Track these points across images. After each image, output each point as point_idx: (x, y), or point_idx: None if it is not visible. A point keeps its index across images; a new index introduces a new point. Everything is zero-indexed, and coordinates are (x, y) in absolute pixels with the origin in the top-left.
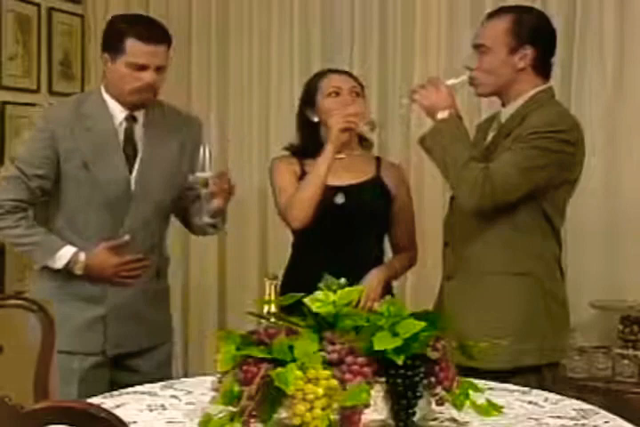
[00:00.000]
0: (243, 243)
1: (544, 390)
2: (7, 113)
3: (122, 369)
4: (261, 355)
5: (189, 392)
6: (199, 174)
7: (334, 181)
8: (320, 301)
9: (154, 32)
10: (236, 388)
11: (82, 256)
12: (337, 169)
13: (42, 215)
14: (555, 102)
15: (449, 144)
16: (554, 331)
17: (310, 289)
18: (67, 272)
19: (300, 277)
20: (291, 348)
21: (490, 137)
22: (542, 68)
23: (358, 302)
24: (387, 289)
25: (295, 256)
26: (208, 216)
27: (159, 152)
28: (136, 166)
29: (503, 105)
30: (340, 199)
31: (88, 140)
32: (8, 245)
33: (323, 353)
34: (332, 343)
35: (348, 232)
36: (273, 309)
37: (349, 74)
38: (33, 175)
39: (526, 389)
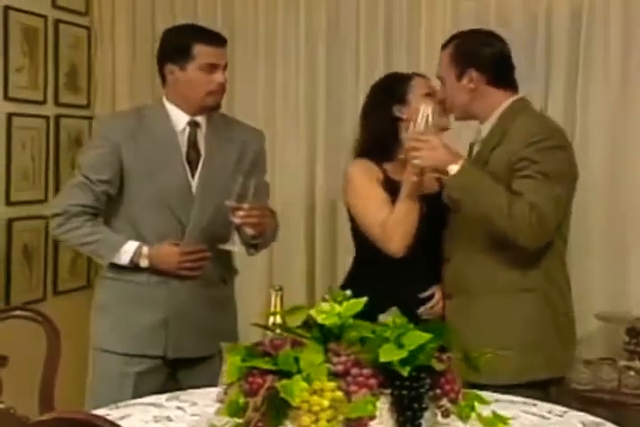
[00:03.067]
0: (249, 259)
1: (549, 403)
2: (14, 124)
3: (174, 379)
4: (267, 366)
5: (195, 404)
6: (228, 203)
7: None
8: (325, 312)
9: (217, 35)
10: (242, 399)
11: (145, 249)
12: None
13: (104, 220)
14: (530, 111)
15: (480, 196)
16: (561, 345)
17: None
18: (131, 273)
19: (385, 285)
20: (296, 359)
21: (475, 152)
22: (502, 82)
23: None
24: None
25: (372, 267)
26: (237, 244)
27: (220, 157)
28: (199, 169)
29: (481, 123)
30: (424, 208)
31: (150, 148)
32: (14, 256)
33: (328, 365)
34: (338, 355)
35: (433, 243)
36: (279, 319)
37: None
38: (98, 180)
39: (532, 400)
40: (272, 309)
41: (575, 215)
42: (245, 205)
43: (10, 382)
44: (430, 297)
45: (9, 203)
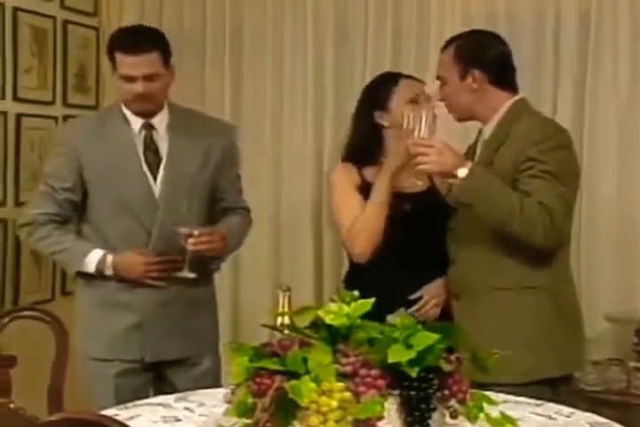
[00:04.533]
0: (256, 254)
1: (558, 403)
2: (23, 125)
3: (161, 381)
4: (275, 367)
5: (203, 404)
6: (181, 229)
7: (403, 189)
8: (334, 313)
9: (137, 42)
10: (250, 400)
11: (109, 258)
12: (403, 177)
13: (72, 226)
14: (532, 111)
15: (491, 198)
16: (570, 343)
17: (382, 301)
18: (102, 279)
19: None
20: (304, 360)
21: (477, 154)
22: (504, 82)
23: (413, 302)
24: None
25: (359, 265)
26: (188, 269)
27: (183, 159)
28: (160, 173)
29: (483, 124)
30: (407, 206)
31: (108, 152)
32: (23, 256)
33: (336, 365)
34: (346, 356)
35: (415, 241)
36: (287, 320)
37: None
38: (60, 188)
39: (540, 402)
40: (280, 309)
41: (584, 216)
42: (195, 232)
43: (19, 382)
44: (419, 299)
45: (18, 204)
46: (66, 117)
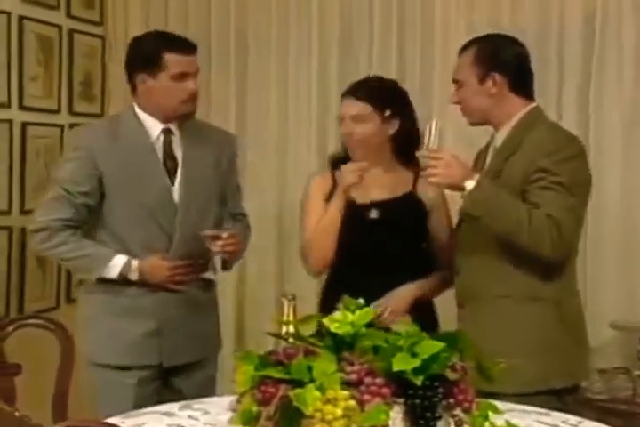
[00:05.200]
0: (260, 261)
1: (564, 412)
2: (28, 133)
3: (166, 389)
4: (280, 375)
5: (207, 413)
6: (207, 232)
7: (368, 197)
8: (338, 321)
9: (186, 42)
10: (255, 408)
11: (134, 262)
12: (372, 184)
13: (87, 234)
14: (546, 120)
15: (499, 210)
16: (575, 354)
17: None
18: (119, 285)
19: (337, 296)
20: (309, 368)
21: (488, 161)
22: (521, 89)
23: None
24: (421, 308)
25: (331, 274)
26: (214, 271)
27: (197, 163)
28: (178, 178)
29: (495, 130)
30: (373, 214)
31: (128, 157)
32: (28, 264)
33: (341, 374)
34: (351, 364)
35: (383, 248)
36: (291, 329)
37: (365, 93)
38: (77, 193)
39: (545, 410)
40: (285, 318)
41: (590, 224)
42: (224, 234)
43: (23, 390)
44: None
45: (23, 211)
46: (72, 126)
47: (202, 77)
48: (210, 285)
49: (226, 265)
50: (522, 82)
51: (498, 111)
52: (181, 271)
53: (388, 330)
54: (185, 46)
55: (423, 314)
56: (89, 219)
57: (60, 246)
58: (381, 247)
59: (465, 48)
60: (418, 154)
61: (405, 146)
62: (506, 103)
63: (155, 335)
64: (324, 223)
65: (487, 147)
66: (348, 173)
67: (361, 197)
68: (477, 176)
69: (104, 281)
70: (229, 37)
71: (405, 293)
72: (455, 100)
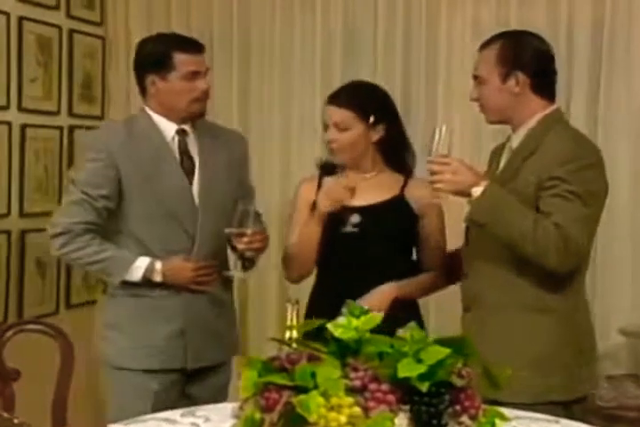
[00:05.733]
0: (262, 266)
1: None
2: (27, 135)
3: (185, 393)
4: (283, 381)
5: (209, 420)
6: (229, 230)
7: (352, 202)
8: (343, 326)
9: (194, 42)
10: (258, 415)
11: (158, 264)
12: (358, 189)
13: (107, 238)
14: (566, 124)
15: (505, 218)
16: (581, 364)
17: (334, 313)
18: (143, 288)
19: (322, 301)
20: (313, 374)
21: (502, 163)
22: (544, 90)
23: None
24: (402, 307)
25: (318, 279)
26: (237, 269)
27: (214, 163)
28: (196, 178)
29: (513, 130)
30: (355, 219)
31: (146, 158)
32: (27, 268)
33: (346, 380)
34: (356, 370)
35: (366, 253)
36: (295, 334)
37: (347, 100)
38: (98, 196)
39: (553, 418)
40: (288, 322)
41: (599, 229)
42: (249, 231)
43: (22, 396)
44: None
45: (22, 214)
46: (71, 128)
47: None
48: (229, 284)
49: (246, 264)
50: (545, 82)
51: (518, 111)
52: (205, 272)
53: (393, 335)
54: (194, 46)
55: (408, 314)
56: (108, 223)
57: (81, 250)
58: (362, 253)
59: (488, 43)
60: (427, 160)
61: (394, 150)
62: (527, 103)
63: (180, 337)
64: (302, 238)
65: (500, 146)
66: (324, 199)
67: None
68: (485, 182)
69: (127, 284)
70: (232, 36)
71: (385, 290)
72: (474, 97)
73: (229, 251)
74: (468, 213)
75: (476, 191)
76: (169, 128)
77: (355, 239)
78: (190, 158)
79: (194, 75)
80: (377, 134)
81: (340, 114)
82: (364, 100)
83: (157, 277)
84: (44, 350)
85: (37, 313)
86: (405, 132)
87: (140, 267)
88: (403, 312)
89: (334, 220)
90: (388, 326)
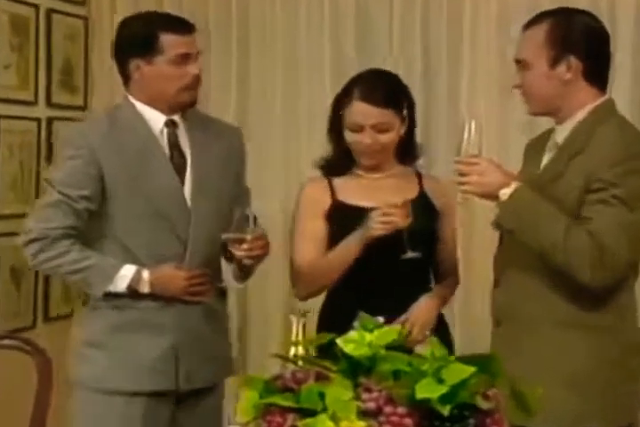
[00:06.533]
0: (265, 274)
1: None
2: (1, 128)
3: (182, 409)
4: (287, 403)
5: None
6: (230, 235)
7: (372, 203)
8: (355, 342)
9: (183, 21)
10: None
11: (145, 273)
12: (374, 190)
13: (87, 245)
14: (618, 118)
15: (534, 224)
16: (627, 389)
17: (348, 327)
18: (129, 299)
19: (337, 313)
20: (321, 395)
21: (546, 160)
22: (596, 77)
23: (407, 335)
24: (439, 320)
25: (332, 289)
26: (234, 277)
27: (208, 159)
28: (187, 176)
29: (558, 123)
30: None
31: (131, 154)
32: (1, 276)
33: (358, 402)
34: (369, 390)
35: (394, 256)
36: (301, 350)
37: (382, 97)
38: (78, 197)
39: None
40: (293, 337)
41: None
42: (249, 237)
43: None
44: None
45: None
46: (50, 119)
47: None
48: (224, 294)
49: (244, 273)
50: (599, 68)
51: (566, 101)
52: (199, 281)
53: (410, 352)
54: (183, 25)
55: (436, 327)
56: (89, 227)
57: (58, 258)
58: (392, 256)
59: (534, 22)
60: (455, 160)
61: (409, 143)
62: (577, 92)
63: (171, 354)
64: (338, 260)
65: (539, 139)
66: (376, 222)
67: (365, 203)
68: (515, 184)
69: (111, 295)
70: (230, 16)
71: (430, 303)
72: (517, 84)
73: (223, 259)
74: (496, 216)
75: (504, 194)
76: (156, 119)
77: (382, 242)
78: (181, 153)
79: (183, 58)
80: (402, 129)
81: (379, 114)
82: (399, 94)
83: (144, 288)
84: (20, 368)
85: (12, 327)
86: (416, 125)
87: (125, 276)
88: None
89: (358, 222)
90: None
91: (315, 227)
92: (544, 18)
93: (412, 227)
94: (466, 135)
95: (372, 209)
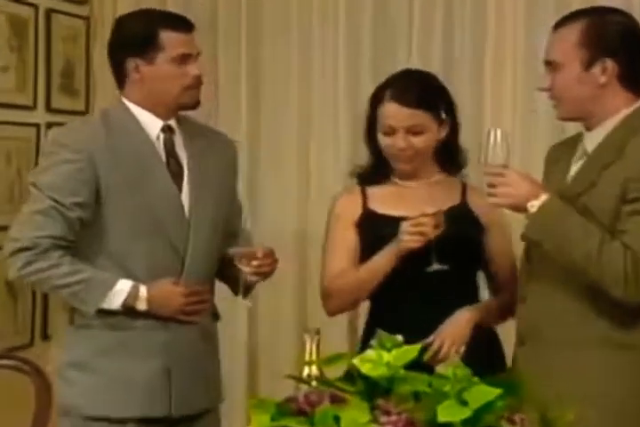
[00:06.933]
0: (276, 289)
1: None
2: None
3: None
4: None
5: None
6: (239, 250)
7: (404, 212)
8: (372, 361)
9: (184, 19)
10: None
11: (143, 289)
12: (409, 198)
13: (79, 254)
14: None
15: (564, 237)
16: None
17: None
18: (122, 317)
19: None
20: (336, 419)
21: (575, 169)
22: (632, 81)
23: (435, 355)
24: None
25: (373, 306)
26: (242, 294)
27: (205, 168)
28: (185, 184)
29: (588, 129)
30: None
31: (128, 160)
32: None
33: (375, 425)
34: (387, 413)
35: (429, 272)
36: (315, 370)
37: (417, 97)
38: (71, 204)
39: None
40: (307, 357)
41: None
42: (260, 253)
43: None
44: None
45: None
46: (49, 125)
47: (205, 67)
48: (216, 315)
49: (244, 291)
50: (635, 72)
51: (600, 106)
52: (198, 299)
53: (431, 372)
54: (183, 23)
55: (487, 344)
56: (80, 240)
57: (49, 270)
58: (427, 272)
59: (567, 21)
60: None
61: (451, 150)
62: (611, 97)
63: (163, 377)
64: (371, 275)
65: (565, 146)
66: (406, 233)
67: (399, 212)
68: (544, 196)
69: (103, 313)
70: (240, 18)
71: (463, 318)
72: (546, 86)
73: (221, 274)
74: (524, 229)
75: (533, 206)
76: (153, 124)
77: (417, 255)
78: (177, 161)
79: (184, 58)
80: (443, 133)
81: (412, 116)
82: (433, 93)
83: (141, 305)
84: (17, 389)
85: (8, 345)
86: (460, 128)
87: (121, 291)
88: (481, 343)
89: (392, 234)
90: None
91: (345, 238)
92: (578, 17)
93: (443, 237)
94: (491, 143)
95: (402, 218)
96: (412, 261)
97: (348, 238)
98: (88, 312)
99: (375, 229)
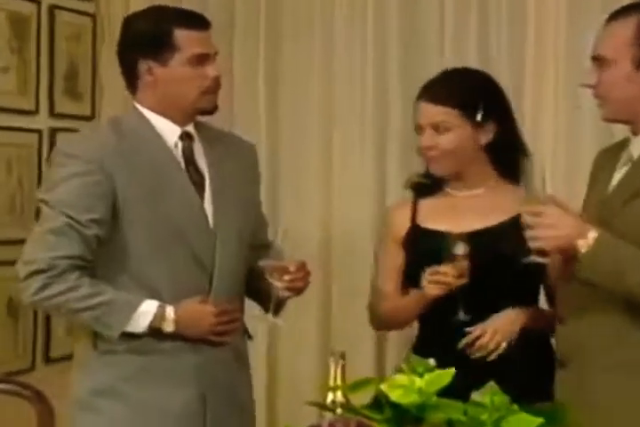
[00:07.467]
0: (298, 310)
1: None
2: None
3: None
4: None
5: None
6: (270, 263)
7: (455, 228)
8: (402, 387)
9: (200, 16)
10: None
11: (170, 309)
12: (458, 210)
13: (97, 275)
14: None
15: (621, 272)
16: None
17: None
18: (148, 339)
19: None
20: None
21: (620, 175)
22: None
23: (472, 343)
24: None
25: (422, 329)
26: (273, 311)
27: (226, 176)
28: (207, 194)
29: (634, 133)
30: (458, 250)
31: (145, 168)
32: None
33: None
34: None
35: (481, 291)
36: (340, 396)
37: (446, 93)
38: (87, 221)
39: None
40: (331, 382)
41: None
42: (292, 267)
43: None
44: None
45: None
46: (53, 131)
47: (223, 68)
48: (247, 333)
49: (275, 308)
50: None
51: None
52: (229, 318)
53: (466, 399)
54: (199, 21)
55: (540, 350)
56: (97, 260)
57: (66, 293)
58: (479, 292)
59: (621, 15)
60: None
61: (508, 156)
62: None
63: (199, 405)
64: (398, 314)
65: (611, 151)
66: (427, 281)
67: (445, 227)
68: (592, 233)
69: (127, 336)
70: (259, 16)
71: (513, 315)
72: (592, 83)
73: (247, 290)
74: (578, 271)
75: (582, 246)
76: (170, 131)
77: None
78: (197, 169)
79: (201, 58)
80: (486, 136)
81: (437, 112)
82: (468, 91)
83: (169, 327)
84: (17, 415)
85: (8, 369)
86: (520, 132)
87: (147, 312)
88: (533, 347)
89: (435, 248)
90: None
91: (392, 255)
92: (633, 11)
93: (496, 255)
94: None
95: (446, 234)
96: (437, 311)
97: (394, 255)
98: (112, 336)
99: (420, 246)
